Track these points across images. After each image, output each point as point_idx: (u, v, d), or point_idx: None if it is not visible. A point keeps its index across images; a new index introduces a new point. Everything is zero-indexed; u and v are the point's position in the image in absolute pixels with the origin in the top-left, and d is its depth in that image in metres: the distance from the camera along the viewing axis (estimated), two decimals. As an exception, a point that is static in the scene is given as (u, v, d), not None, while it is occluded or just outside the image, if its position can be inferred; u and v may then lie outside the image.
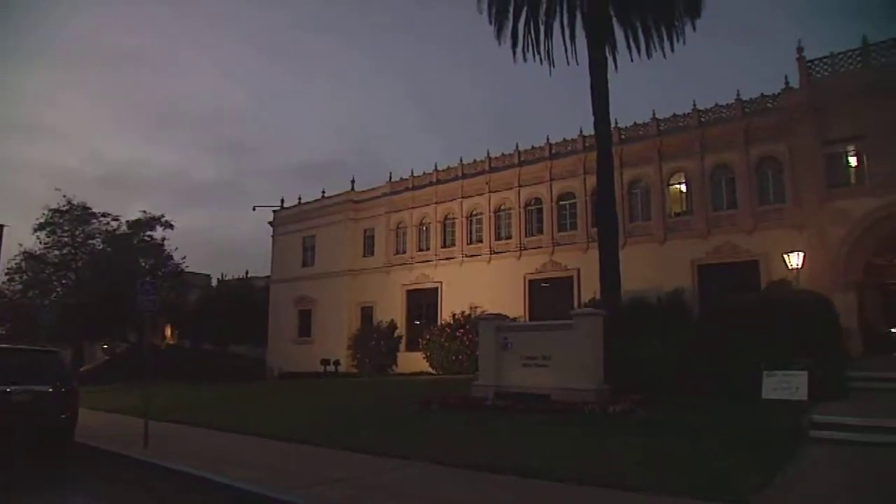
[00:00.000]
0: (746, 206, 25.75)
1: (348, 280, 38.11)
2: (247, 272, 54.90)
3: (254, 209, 45.78)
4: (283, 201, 43.74)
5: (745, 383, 14.29)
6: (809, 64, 24.26)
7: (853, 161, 23.77)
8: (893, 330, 25.31)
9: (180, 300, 45.70)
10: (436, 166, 35.85)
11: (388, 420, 14.15)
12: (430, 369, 29.48)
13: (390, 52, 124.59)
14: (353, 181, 39.78)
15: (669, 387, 14.60)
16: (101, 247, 41.54)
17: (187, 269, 46.17)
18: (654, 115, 28.77)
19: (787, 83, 25.23)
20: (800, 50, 24.35)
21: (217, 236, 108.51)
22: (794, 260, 22.30)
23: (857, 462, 9.23)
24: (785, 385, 13.92)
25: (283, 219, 43.22)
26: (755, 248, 25.25)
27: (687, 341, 16.38)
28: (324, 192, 41.01)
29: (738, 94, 26.74)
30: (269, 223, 44.20)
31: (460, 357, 27.44)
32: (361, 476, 8.98)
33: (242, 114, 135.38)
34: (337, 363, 34.04)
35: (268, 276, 45.49)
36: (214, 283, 57.54)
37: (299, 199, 42.67)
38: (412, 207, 36.14)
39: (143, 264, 41.40)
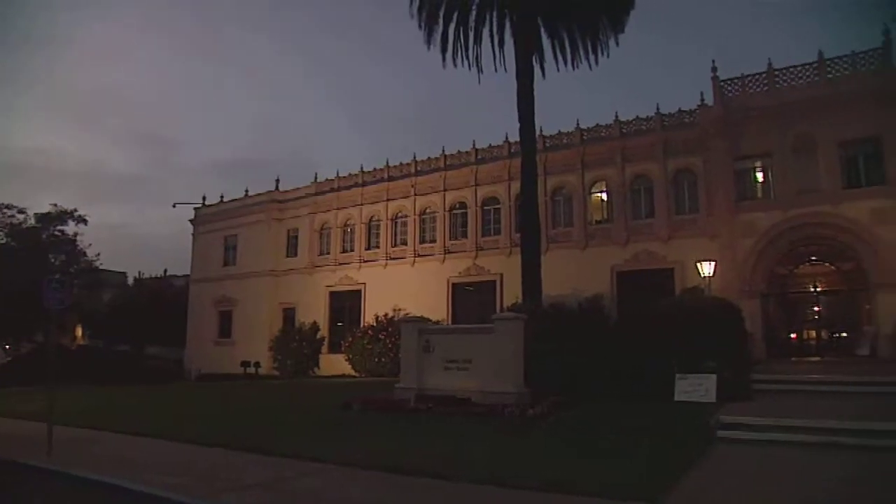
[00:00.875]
0: (663, 215, 26.84)
1: (271, 281, 37.49)
2: (165, 271, 53.29)
3: (174, 206, 44.22)
4: (204, 199, 42.67)
5: (660, 386, 14.98)
6: (723, 83, 25.58)
7: (760, 176, 25.26)
8: (792, 335, 26.96)
9: (94, 299, 43.81)
10: (362, 168, 35.80)
11: (309, 423, 14.03)
12: (352, 372, 29.42)
13: (320, 52, 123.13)
14: (277, 181, 39.25)
15: (588, 389, 15.10)
16: (3, 241, 39.29)
17: (102, 267, 44.40)
18: (578, 124, 29.63)
19: (702, 100, 26.47)
20: (714, 70, 25.66)
21: (135, 233, 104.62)
22: (706, 268, 23.39)
23: (759, 460, 9.81)
24: (696, 387, 14.71)
25: (205, 217, 42.10)
26: (671, 256, 26.36)
27: (605, 345, 16.93)
28: (247, 190, 40.30)
29: (658, 109, 27.90)
30: (191, 221, 42.96)
31: (383, 359, 27.50)
32: (279, 481, 8.86)
33: (165, 107, 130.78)
34: (258, 365, 33.45)
35: (187, 276, 44.21)
36: (131, 281, 55.54)
37: (221, 197, 41.83)
38: (337, 209, 35.90)
39: (54, 260, 39.49)
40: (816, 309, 27.47)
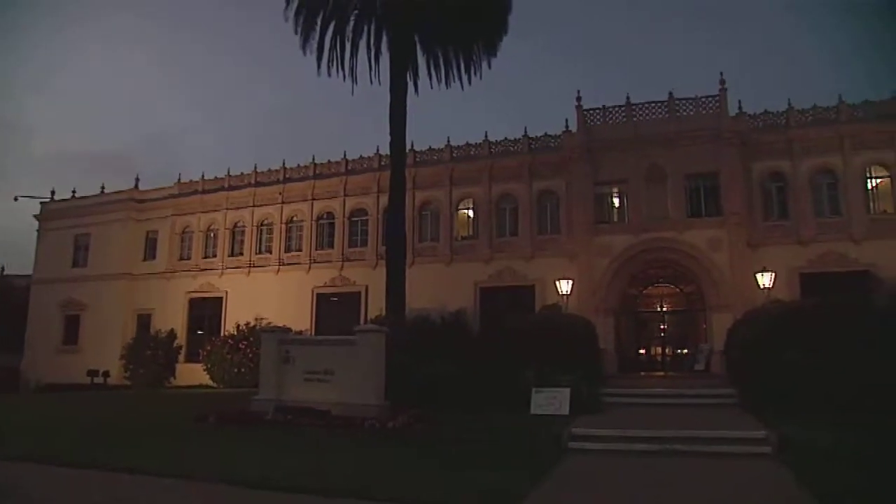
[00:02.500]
0: (527, 234, 27.89)
1: (125, 284, 35.21)
2: (2, 269, 48.45)
3: (16, 199, 40.36)
4: (53, 193, 39.37)
5: (519, 399, 15.52)
6: (586, 112, 27.07)
7: (617, 201, 26.90)
8: (641, 352, 28.79)
9: None
10: (228, 171, 34.61)
11: (159, 436, 13.35)
12: (210, 382, 28.36)
13: (186, 50, 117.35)
14: (137, 179, 36.96)
15: (450, 402, 15.39)
16: None
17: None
18: (448, 142, 30.22)
19: (567, 126, 27.85)
20: (578, 99, 27.12)
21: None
22: (565, 287, 24.53)
23: (605, 469, 10.43)
24: (551, 401, 15.38)
25: (53, 213, 38.81)
26: (532, 274, 27.40)
27: (467, 359, 17.30)
28: (103, 187, 37.65)
29: (526, 132, 29.01)
30: (36, 217, 39.39)
31: (243, 370, 26.73)
32: (122, 499, 8.43)
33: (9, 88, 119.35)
34: (107, 374, 31.31)
35: (30, 276, 40.39)
36: (-43, 280, 49.93)
37: (73, 192, 38.72)
38: (201, 212, 34.43)
39: None
40: (663, 327, 29.47)
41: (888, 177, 24.82)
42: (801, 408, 13.53)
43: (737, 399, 16.25)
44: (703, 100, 25.90)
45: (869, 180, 25.07)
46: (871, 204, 24.97)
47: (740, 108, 26.04)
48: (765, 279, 22.82)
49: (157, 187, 36.67)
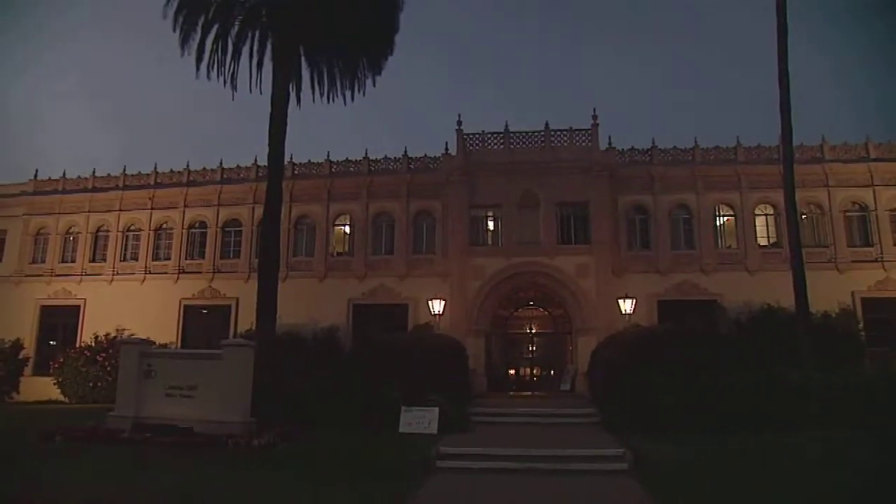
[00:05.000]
0: (402, 253, 27.97)
1: (-37, 288, 31.79)
2: None
3: None
4: None
5: (389, 417, 15.46)
6: (466, 136, 27.66)
7: (491, 225, 27.57)
8: (511, 372, 29.49)
9: None
10: (94, 172, 32.31)
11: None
12: (62, 397, 26.30)
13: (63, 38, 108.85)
14: (-17, 173, 33.66)
15: (319, 420, 15.12)
16: None
17: None
18: (328, 156, 29.90)
19: (446, 149, 28.32)
20: (459, 123, 27.66)
21: None
22: (437, 306, 24.80)
23: (470, 487, 10.53)
24: (420, 419, 15.42)
25: None
26: (406, 293, 27.47)
27: (338, 376, 17.07)
28: (-60, 179, 33.91)
29: (406, 151, 29.20)
30: None
31: (100, 384, 25.12)
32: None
33: None
34: (-72, 388, 27.99)
35: None
36: None
37: None
38: (59, 213, 31.90)
39: None
40: (532, 348, 30.33)
41: (733, 215, 27.12)
42: (657, 426, 14.32)
43: (598, 418, 16.96)
44: (577, 132, 27.22)
45: (718, 218, 27.28)
46: (720, 239, 27.16)
47: (610, 142, 27.58)
48: (626, 305, 24.14)
49: (10, 182, 33.47)
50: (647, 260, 26.67)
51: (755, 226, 26.93)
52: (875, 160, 26.73)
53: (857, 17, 71.66)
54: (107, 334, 26.78)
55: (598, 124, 26.97)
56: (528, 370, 29.81)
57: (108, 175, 32.17)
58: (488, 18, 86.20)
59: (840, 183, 26.71)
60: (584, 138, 27.11)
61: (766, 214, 27.12)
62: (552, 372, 28.99)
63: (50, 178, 32.69)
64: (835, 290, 24.62)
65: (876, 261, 25.88)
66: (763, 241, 26.94)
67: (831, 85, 66.46)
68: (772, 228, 27.06)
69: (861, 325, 24.03)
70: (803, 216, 25.19)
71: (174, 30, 21.79)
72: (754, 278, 25.68)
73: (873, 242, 26.18)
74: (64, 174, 32.54)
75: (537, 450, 12.50)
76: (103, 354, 25.59)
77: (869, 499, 9.17)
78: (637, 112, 71.19)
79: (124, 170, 31.89)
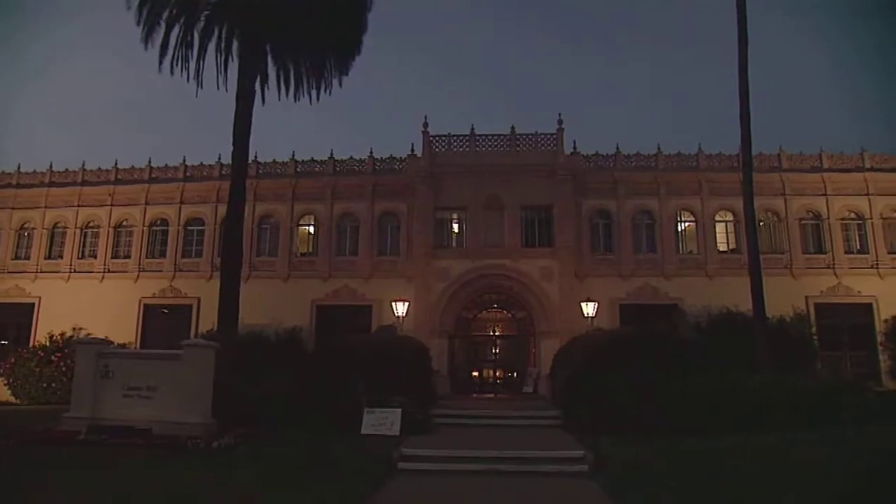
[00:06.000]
0: (366, 254, 27.88)
1: None
2: None
3: None
4: None
5: (352, 418, 15.38)
6: (432, 139, 27.72)
7: (456, 227, 27.70)
8: (475, 374, 29.59)
9: None
10: (51, 167, 31.49)
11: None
12: (13, 399, 25.58)
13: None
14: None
15: (281, 421, 14.98)
16: None
17: None
18: (293, 155, 29.65)
19: (412, 151, 28.33)
20: (425, 125, 27.70)
21: None
22: (401, 308, 24.78)
23: (432, 489, 10.55)
24: (382, 421, 15.37)
25: None
26: (370, 294, 27.40)
27: (301, 377, 16.94)
28: None
29: (371, 152, 29.12)
30: None
31: (54, 385, 24.53)
32: None
33: None
34: None
35: None
36: None
37: None
38: (13, 208, 31.05)
39: None
40: (495, 350, 30.50)
41: (693, 221, 27.64)
42: (618, 429, 14.49)
43: (560, 420, 17.09)
44: (542, 137, 27.50)
45: (679, 223, 27.76)
46: (681, 244, 27.64)
47: (575, 147, 27.93)
48: (589, 308, 24.42)
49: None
50: (609, 264, 27.01)
51: (715, 232, 27.51)
52: (828, 170, 27.55)
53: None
54: (62, 333, 26.14)
55: (563, 129, 27.30)
56: (491, 372, 29.95)
57: (66, 170, 31.38)
58: (458, 22, 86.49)
59: (796, 192, 27.46)
60: (549, 143, 27.39)
61: (725, 221, 27.71)
62: (515, 374, 29.20)
63: (4, 172, 31.80)
64: (790, 295, 25.28)
65: (828, 267, 26.69)
66: (723, 247, 27.52)
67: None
68: (731, 234, 27.66)
69: (814, 330, 24.70)
70: (761, 223, 25.77)
71: (137, 23, 21.39)
72: (714, 283, 26.20)
73: (826, 250, 26.98)
74: (19, 168, 31.68)
75: (499, 451, 12.56)
76: (59, 354, 24.97)
77: (823, 492, 9.41)
78: (603, 117, 72.03)
79: (83, 165, 31.18)
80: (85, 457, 11.95)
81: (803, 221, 27.49)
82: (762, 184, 25.13)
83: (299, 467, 11.21)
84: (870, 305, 26.34)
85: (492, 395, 26.41)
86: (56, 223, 30.75)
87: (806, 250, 27.17)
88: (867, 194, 27.30)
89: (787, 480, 10.15)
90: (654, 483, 10.30)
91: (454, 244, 27.53)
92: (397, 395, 16.09)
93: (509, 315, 29.16)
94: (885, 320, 25.63)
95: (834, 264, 26.70)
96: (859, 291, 26.45)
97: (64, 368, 23.99)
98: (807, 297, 26.06)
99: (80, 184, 30.74)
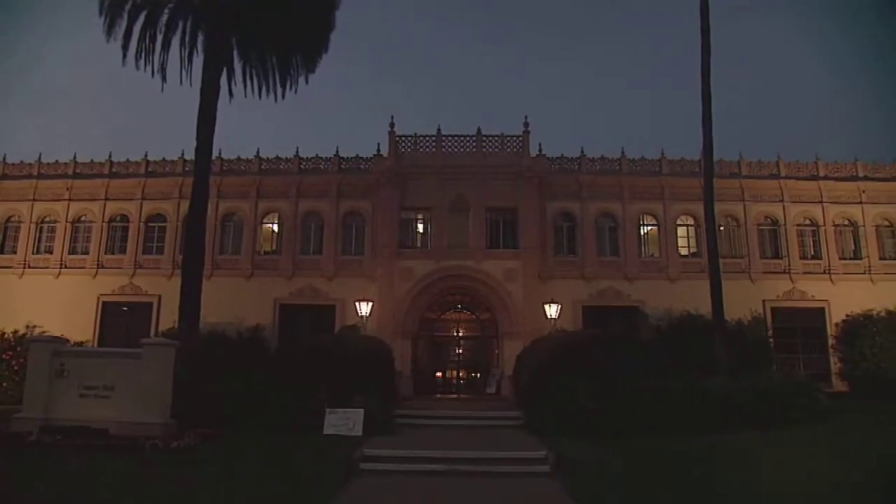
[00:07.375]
0: (330, 253, 27.69)
1: None
2: None
3: None
4: None
5: (314, 418, 15.28)
6: (398, 138, 27.64)
7: (421, 227, 27.67)
8: (438, 374, 29.60)
9: None
10: (4, 158, 30.54)
11: None
12: (-40, 398, 24.57)
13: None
14: None
15: (242, 421, 14.85)
16: None
17: None
18: (258, 153, 29.30)
19: (378, 150, 28.23)
20: (391, 124, 27.63)
21: None
22: (364, 308, 24.66)
23: (393, 489, 10.55)
24: (345, 421, 15.31)
25: None
26: (334, 294, 27.23)
27: (263, 377, 16.76)
28: None
29: (337, 151, 28.91)
30: None
31: (5, 385, 23.71)
32: None
33: None
34: None
35: None
36: None
37: None
38: (-37, 202, 29.97)
39: None
40: (459, 351, 30.54)
41: (656, 225, 28.06)
42: (580, 429, 14.66)
43: (523, 421, 17.20)
44: (508, 138, 27.63)
45: (642, 227, 28.17)
46: (643, 248, 28.06)
47: (540, 149, 28.10)
48: (552, 310, 24.61)
49: None
50: (572, 266, 27.26)
51: (677, 236, 27.97)
52: (785, 178, 28.23)
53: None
54: (15, 331, 25.29)
55: (529, 131, 27.49)
56: (454, 373, 30.01)
57: (21, 162, 30.53)
58: (423, 22, 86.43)
59: (755, 198, 28.09)
60: (515, 144, 27.54)
61: (687, 225, 28.21)
62: (478, 375, 29.29)
63: (-46, 164, 30.76)
64: (748, 298, 25.83)
65: (784, 272, 27.34)
66: (684, 251, 28.02)
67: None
68: (692, 239, 28.17)
69: (770, 333, 25.28)
70: (721, 228, 26.33)
71: (100, 14, 20.96)
72: (675, 286, 26.64)
73: (782, 255, 27.64)
74: (-24, 160, 30.68)
75: (462, 452, 12.62)
76: (10, 353, 24.21)
77: (781, 489, 9.65)
78: (569, 120, 72.55)
79: (39, 157, 30.37)
80: (32, 459, 11.63)
81: (761, 227, 28.11)
82: (723, 189, 25.63)
83: (259, 468, 11.10)
84: (822, 309, 27.05)
85: (455, 396, 26.45)
86: (10, 217, 29.88)
87: (764, 255, 27.80)
88: (821, 202, 28.06)
89: (742, 481, 10.38)
90: (613, 483, 10.45)
91: (419, 244, 27.52)
92: (360, 396, 16.03)
93: (473, 316, 29.24)
94: (836, 324, 26.37)
95: (790, 269, 27.37)
96: (813, 296, 27.16)
97: (16, 367, 23.23)
98: (764, 301, 26.67)
99: (35, 177, 29.91)
